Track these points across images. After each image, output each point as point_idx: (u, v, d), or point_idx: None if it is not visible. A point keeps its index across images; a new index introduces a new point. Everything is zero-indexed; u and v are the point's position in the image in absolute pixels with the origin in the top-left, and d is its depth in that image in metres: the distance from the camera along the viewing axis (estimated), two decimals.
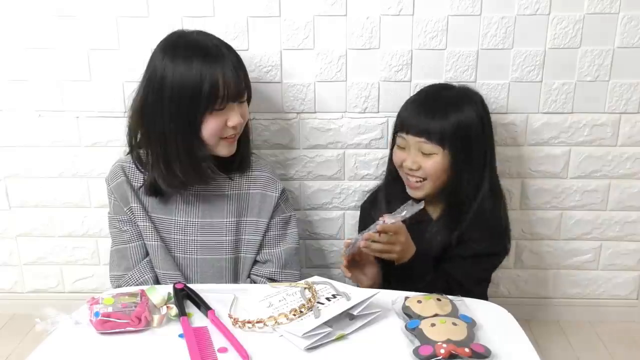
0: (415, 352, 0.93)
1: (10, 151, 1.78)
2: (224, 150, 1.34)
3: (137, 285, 1.35)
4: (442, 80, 1.63)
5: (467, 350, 0.92)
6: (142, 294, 1.08)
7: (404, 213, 1.29)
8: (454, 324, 0.98)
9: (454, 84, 1.53)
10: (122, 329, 1.01)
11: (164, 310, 1.06)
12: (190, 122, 1.27)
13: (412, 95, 1.55)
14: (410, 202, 1.35)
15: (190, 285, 1.14)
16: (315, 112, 1.69)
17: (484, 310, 1.08)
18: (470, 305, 1.08)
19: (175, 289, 1.12)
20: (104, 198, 1.78)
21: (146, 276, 1.37)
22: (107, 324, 1.01)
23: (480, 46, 1.62)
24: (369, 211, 1.57)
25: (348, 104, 1.68)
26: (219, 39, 1.33)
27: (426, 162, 1.38)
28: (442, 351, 0.91)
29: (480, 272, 1.48)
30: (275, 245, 1.42)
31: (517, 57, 1.63)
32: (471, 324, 1.00)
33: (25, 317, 1.86)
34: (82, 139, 1.75)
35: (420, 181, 1.41)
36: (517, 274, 1.86)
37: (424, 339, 0.95)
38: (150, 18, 1.62)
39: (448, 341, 0.93)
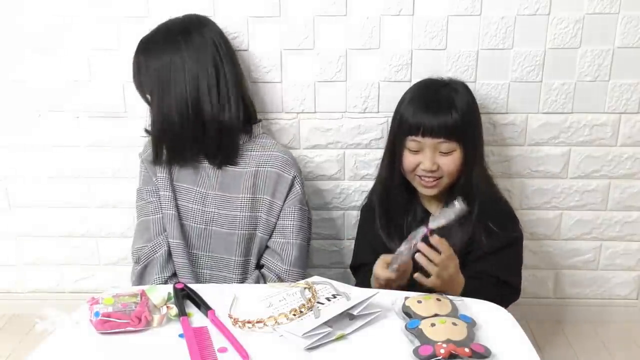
0: (415, 352, 0.93)
1: (10, 151, 1.78)
2: None
3: (152, 255, 1.42)
4: None
5: (467, 350, 0.92)
6: (142, 294, 1.08)
7: (448, 215, 1.21)
8: (454, 324, 0.98)
9: (443, 78, 1.52)
10: (122, 329, 1.01)
11: (164, 310, 1.06)
12: None
13: (407, 92, 1.49)
14: (454, 203, 1.23)
15: (190, 285, 1.14)
16: (315, 112, 1.69)
17: (484, 310, 1.08)
18: (470, 305, 1.08)
19: (175, 289, 1.12)
20: (104, 198, 1.80)
21: (162, 249, 1.42)
22: (107, 324, 1.01)
23: (480, 46, 1.62)
24: (367, 216, 1.54)
25: (348, 104, 1.68)
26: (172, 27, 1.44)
27: (444, 160, 1.38)
28: (442, 351, 0.91)
29: (514, 262, 1.45)
30: (289, 236, 1.42)
31: (517, 57, 1.62)
32: (471, 324, 1.00)
33: (25, 317, 1.88)
34: (82, 139, 1.75)
35: (437, 179, 1.40)
36: None
37: (424, 339, 0.95)
38: (150, 18, 1.62)
39: (448, 341, 0.93)
